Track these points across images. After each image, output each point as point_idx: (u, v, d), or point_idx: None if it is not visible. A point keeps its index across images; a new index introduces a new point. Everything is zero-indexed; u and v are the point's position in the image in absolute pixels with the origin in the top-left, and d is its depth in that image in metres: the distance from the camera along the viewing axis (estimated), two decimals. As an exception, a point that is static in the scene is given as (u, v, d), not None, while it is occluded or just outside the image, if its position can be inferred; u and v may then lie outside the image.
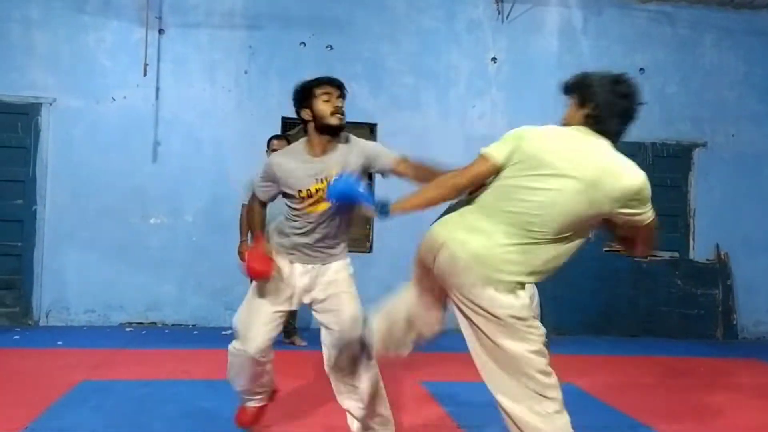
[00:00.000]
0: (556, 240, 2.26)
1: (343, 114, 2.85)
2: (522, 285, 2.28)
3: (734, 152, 7.36)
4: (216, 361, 5.10)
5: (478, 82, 7.05)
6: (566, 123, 2.40)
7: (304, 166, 2.88)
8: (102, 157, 6.43)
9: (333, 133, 2.86)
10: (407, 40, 6.95)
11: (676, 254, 7.27)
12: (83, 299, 6.41)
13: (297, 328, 5.90)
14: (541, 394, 2.21)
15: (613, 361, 5.64)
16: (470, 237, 2.29)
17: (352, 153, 2.89)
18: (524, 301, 2.27)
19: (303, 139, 2.97)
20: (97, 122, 6.47)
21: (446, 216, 2.44)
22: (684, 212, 7.34)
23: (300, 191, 2.89)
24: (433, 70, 6.92)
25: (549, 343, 2.39)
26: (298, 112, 2.93)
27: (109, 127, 6.47)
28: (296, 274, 2.99)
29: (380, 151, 2.95)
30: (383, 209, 2.51)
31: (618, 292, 6.96)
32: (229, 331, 6.19)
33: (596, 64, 7.29)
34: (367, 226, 6.78)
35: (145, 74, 6.42)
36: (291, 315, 5.82)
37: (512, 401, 2.22)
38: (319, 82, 2.88)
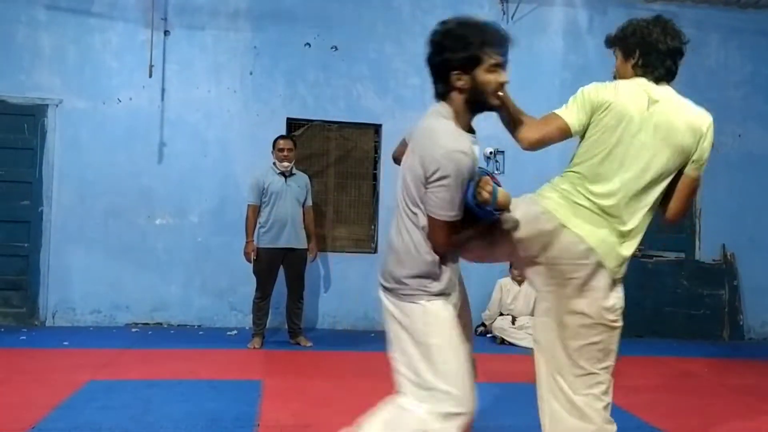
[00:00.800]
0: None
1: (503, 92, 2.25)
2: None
3: (740, 152, 7.33)
4: (221, 362, 5.15)
5: (483, 82, 7.03)
6: (620, 77, 2.40)
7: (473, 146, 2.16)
8: (108, 158, 6.46)
9: (480, 112, 2.27)
10: (412, 40, 6.93)
11: (682, 255, 7.25)
12: (89, 300, 6.44)
13: (302, 329, 5.91)
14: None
15: (619, 362, 5.61)
16: (592, 229, 2.28)
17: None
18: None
19: (447, 113, 2.21)
20: (103, 123, 6.49)
21: (553, 193, 2.34)
22: (690, 212, 7.31)
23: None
24: (438, 70, 6.90)
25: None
26: (444, 74, 2.20)
27: (114, 128, 6.50)
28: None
29: None
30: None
31: (623, 292, 6.94)
32: (234, 332, 6.29)
33: (601, 64, 7.36)
34: (372, 227, 6.76)
35: (150, 75, 6.44)
36: (296, 316, 5.85)
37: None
38: (491, 43, 2.21)
